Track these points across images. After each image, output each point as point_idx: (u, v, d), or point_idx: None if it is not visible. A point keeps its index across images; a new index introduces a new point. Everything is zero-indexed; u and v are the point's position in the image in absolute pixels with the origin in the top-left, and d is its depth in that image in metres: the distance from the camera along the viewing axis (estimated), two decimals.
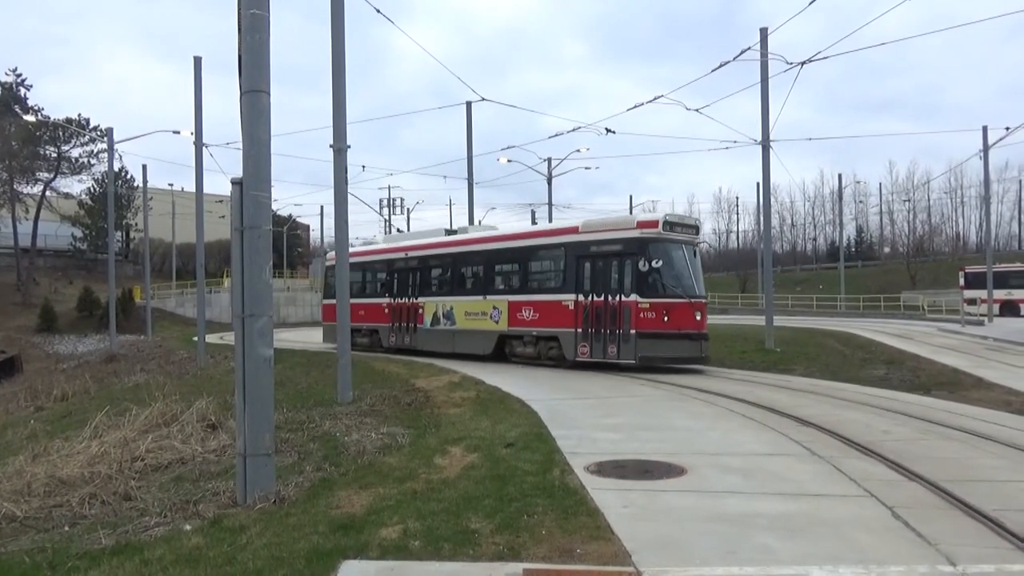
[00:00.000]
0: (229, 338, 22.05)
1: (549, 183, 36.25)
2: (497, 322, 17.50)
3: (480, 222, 26.82)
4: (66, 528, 5.90)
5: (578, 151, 35.24)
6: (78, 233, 55.92)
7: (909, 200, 69.14)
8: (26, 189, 50.48)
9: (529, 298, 16.84)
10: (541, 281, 17.05)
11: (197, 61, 22.46)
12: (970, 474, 6.37)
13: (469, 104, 26.70)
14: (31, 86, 51.70)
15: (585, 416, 9.58)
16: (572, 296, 15.73)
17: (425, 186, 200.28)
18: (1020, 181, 69.45)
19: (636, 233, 15.05)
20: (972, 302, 34.98)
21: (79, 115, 50.81)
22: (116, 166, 38.50)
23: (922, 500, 5.59)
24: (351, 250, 25.31)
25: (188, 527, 5.40)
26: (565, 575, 4.19)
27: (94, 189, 54.45)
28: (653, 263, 14.79)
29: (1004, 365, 16.03)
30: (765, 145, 20.31)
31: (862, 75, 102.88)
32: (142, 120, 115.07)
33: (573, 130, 25.80)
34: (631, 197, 58.33)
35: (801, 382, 13.93)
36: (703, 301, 15.71)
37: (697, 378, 13.75)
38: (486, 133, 75.49)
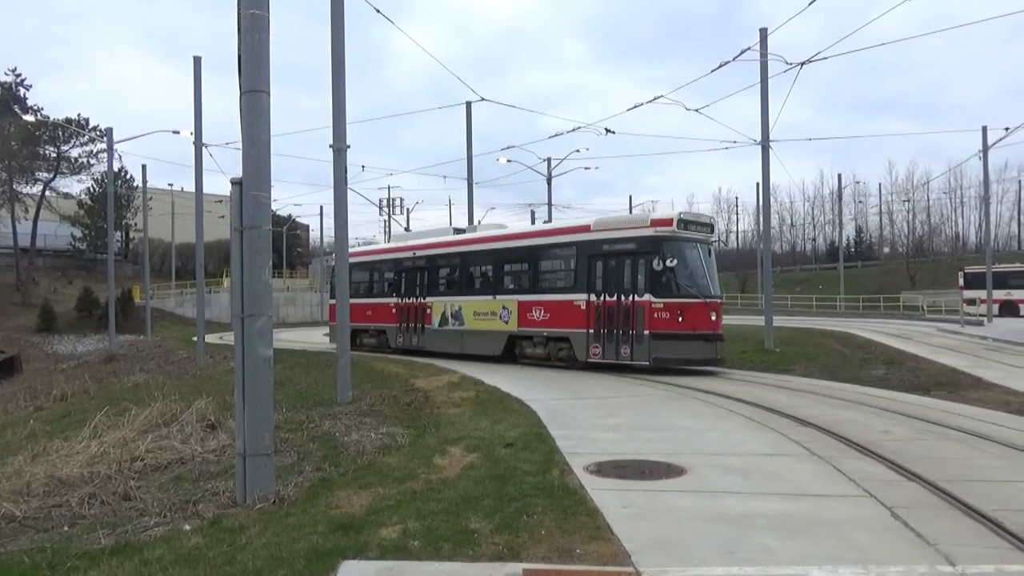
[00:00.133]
0: (229, 338, 22.09)
1: (549, 183, 36.27)
2: (507, 322, 17.25)
3: (480, 222, 26.80)
4: (65, 528, 5.90)
5: (578, 151, 35.27)
6: (77, 233, 55.90)
7: (909, 200, 69.24)
8: (26, 189, 50.50)
9: (540, 298, 16.58)
10: (552, 280, 16.78)
11: (197, 61, 22.47)
12: (969, 474, 6.37)
13: (469, 104, 26.71)
14: (31, 86, 51.81)
15: (585, 416, 9.59)
16: (584, 296, 15.47)
17: (425, 186, 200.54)
18: (1020, 181, 69.60)
19: (650, 231, 14.77)
20: (971, 302, 34.99)
21: (79, 115, 50.95)
22: (116, 166, 38.59)
23: (921, 500, 5.59)
24: (358, 250, 25.58)
25: (188, 527, 5.40)
26: (565, 575, 4.19)
27: (94, 189, 54.45)
28: (667, 262, 14.51)
29: (1003, 365, 16.04)
30: (765, 145, 20.32)
31: (862, 75, 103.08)
32: (142, 120, 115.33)
33: (573, 130, 25.82)
34: (631, 197, 58.35)
35: (800, 382, 13.93)
36: (718, 301, 15.43)
37: (697, 378, 13.75)
38: (486, 133, 75.84)
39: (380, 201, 55.06)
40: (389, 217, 57.94)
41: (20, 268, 50.77)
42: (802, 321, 32.52)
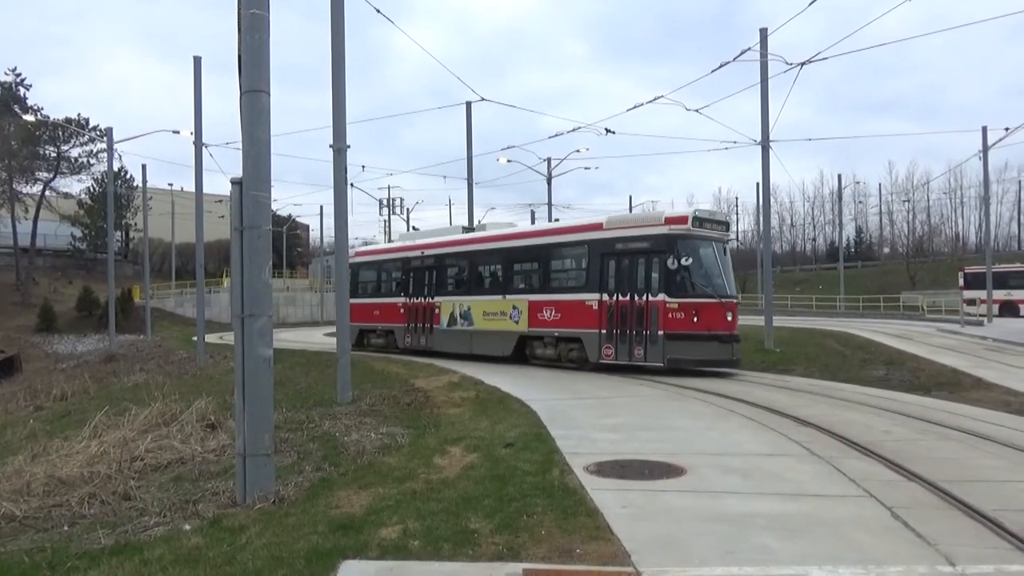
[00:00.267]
0: (229, 338, 22.09)
1: (549, 183, 36.29)
2: (517, 322, 16.97)
3: (480, 222, 26.76)
4: (65, 528, 5.90)
5: (578, 151, 35.28)
6: (77, 233, 55.90)
7: (909, 200, 69.21)
8: (25, 189, 50.48)
9: (551, 297, 16.29)
10: (563, 280, 16.52)
11: (197, 61, 22.47)
12: (969, 474, 6.37)
13: (469, 104, 26.71)
14: (31, 86, 51.80)
15: (585, 416, 9.59)
16: (596, 296, 15.18)
17: (425, 186, 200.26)
18: (1020, 182, 69.54)
19: (664, 230, 14.45)
20: (971, 302, 34.98)
21: (79, 115, 50.93)
22: (116, 166, 38.55)
23: (921, 500, 5.59)
24: (365, 249, 25.56)
25: (187, 527, 5.40)
26: (565, 575, 4.19)
27: (94, 189, 54.44)
28: (682, 261, 14.20)
29: (1003, 365, 16.03)
30: (765, 145, 20.31)
31: (862, 75, 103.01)
32: (142, 120, 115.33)
33: (573, 130, 25.81)
34: (631, 197, 58.34)
35: (800, 382, 13.93)
36: (734, 301, 15.04)
37: (696, 378, 13.74)
38: (486, 133, 75.72)
39: (380, 201, 55.14)
40: (389, 217, 58.01)
41: (20, 268, 50.77)
42: (802, 321, 32.52)
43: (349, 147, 12.53)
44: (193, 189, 24.22)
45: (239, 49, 6.25)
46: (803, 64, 18.53)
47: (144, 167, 41.31)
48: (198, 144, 22.52)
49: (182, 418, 9.89)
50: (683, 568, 4.20)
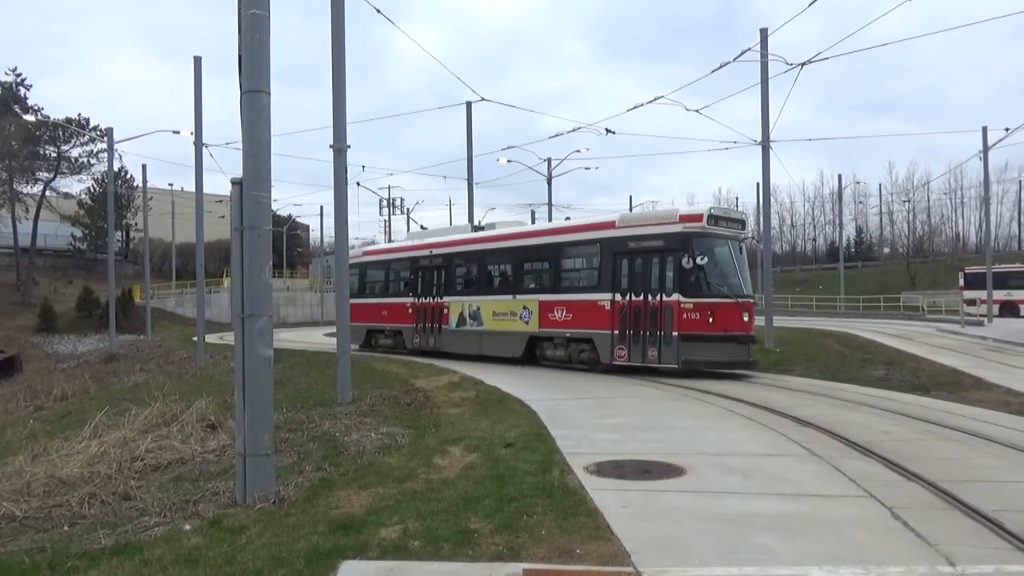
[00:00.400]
0: (229, 338, 22.07)
1: (549, 183, 36.29)
2: (527, 323, 16.66)
3: (480, 222, 26.76)
4: (65, 528, 5.90)
5: (578, 151, 35.27)
6: (78, 233, 55.92)
7: (909, 200, 69.24)
8: (26, 189, 50.50)
9: (562, 297, 15.96)
10: (575, 279, 16.20)
11: (197, 61, 22.47)
12: (969, 474, 6.37)
13: (469, 104, 26.72)
14: (31, 86, 51.79)
15: (584, 416, 9.59)
16: (608, 295, 14.85)
17: (425, 186, 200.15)
18: (1020, 182, 69.59)
19: (679, 228, 14.08)
20: (972, 303, 34.98)
21: (79, 115, 50.90)
22: (116, 166, 38.56)
23: (921, 500, 5.59)
24: (373, 248, 25.53)
25: (188, 527, 5.40)
26: (565, 575, 4.19)
27: (94, 189, 54.46)
28: (697, 260, 13.82)
29: (1003, 366, 16.02)
30: (765, 145, 20.32)
31: (862, 75, 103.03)
32: (142, 120, 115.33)
33: (573, 130, 25.83)
34: (631, 197, 58.32)
35: (800, 382, 13.92)
36: (751, 301, 14.62)
37: (696, 378, 13.74)
38: (486, 133, 75.68)
39: (381, 201, 55.14)
40: (389, 217, 58.02)
41: (20, 268, 50.78)
42: (802, 321, 32.52)
43: (349, 147, 12.53)
44: (193, 189, 24.25)
45: (239, 49, 6.25)
46: (803, 64, 18.56)
47: (144, 167, 41.39)
48: (198, 144, 22.53)
49: (182, 418, 9.89)
50: (683, 568, 4.21)
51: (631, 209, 52.77)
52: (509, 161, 32.50)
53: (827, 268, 66.09)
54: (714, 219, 14.29)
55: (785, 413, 9.62)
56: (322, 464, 7.16)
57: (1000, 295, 36.57)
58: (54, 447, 9.49)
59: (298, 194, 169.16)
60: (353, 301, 22.59)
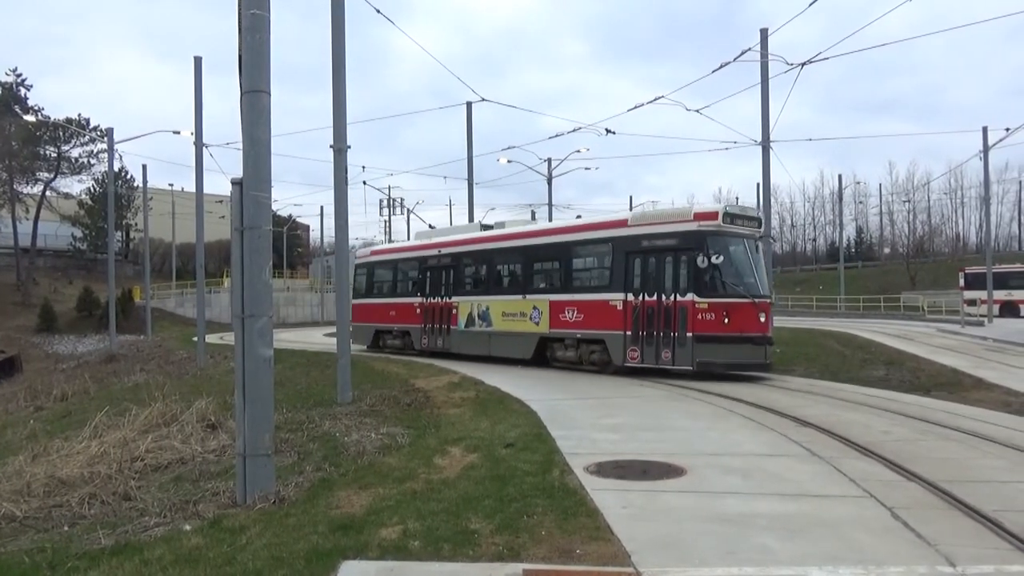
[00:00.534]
0: (229, 338, 22.07)
1: (549, 183, 36.27)
2: (537, 323, 16.38)
3: (480, 222, 26.76)
4: (66, 528, 5.90)
5: (578, 151, 35.26)
6: (78, 233, 55.92)
7: (909, 201, 69.20)
8: (26, 189, 50.53)
9: (573, 297, 15.66)
10: (586, 279, 15.87)
11: (197, 61, 22.47)
12: (969, 475, 6.37)
13: (469, 104, 26.72)
14: (31, 86, 51.73)
15: (584, 416, 9.59)
16: (620, 295, 14.55)
17: (425, 186, 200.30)
18: (1020, 182, 69.61)
19: (693, 226, 13.77)
20: (972, 303, 34.96)
21: (79, 115, 50.89)
22: (116, 166, 38.55)
23: (921, 500, 5.59)
24: (381, 247, 25.51)
25: (188, 527, 5.40)
26: (565, 575, 4.19)
27: (94, 189, 54.46)
28: (712, 259, 13.44)
29: (1004, 366, 16.02)
30: (765, 146, 20.30)
31: (863, 75, 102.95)
32: (142, 120, 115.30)
33: (573, 130, 25.82)
34: (631, 197, 58.18)
35: (800, 382, 13.92)
36: (768, 301, 14.29)
37: (696, 378, 13.74)
38: (486, 133, 75.51)
39: (381, 201, 55.17)
40: (390, 217, 58.05)
41: (20, 268, 50.80)
42: (802, 321, 32.49)
43: (349, 147, 12.52)
44: (193, 189, 24.26)
45: (239, 49, 6.25)
46: (803, 64, 18.53)
47: (144, 167, 41.35)
48: (198, 144, 22.53)
49: (182, 418, 9.90)
50: (683, 568, 4.21)
51: (631, 209, 52.74)
52: (509, 161, 32.52)
53: (827, 268, 66.08)
54: (730, 217, 13.99)
55: (785, 413, 9.62)
56: (322, 464, 7.15)
57: (1000, 295, 36.56)
58: (54, 447, 9.49)
59: (298, 194, 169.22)
60: (361, 301, 22.72)
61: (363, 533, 4.89)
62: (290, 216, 60.93)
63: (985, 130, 31.21)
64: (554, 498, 5.56)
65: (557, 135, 26.33)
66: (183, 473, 7.51)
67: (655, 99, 20.67)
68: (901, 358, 17.27)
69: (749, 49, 19.05)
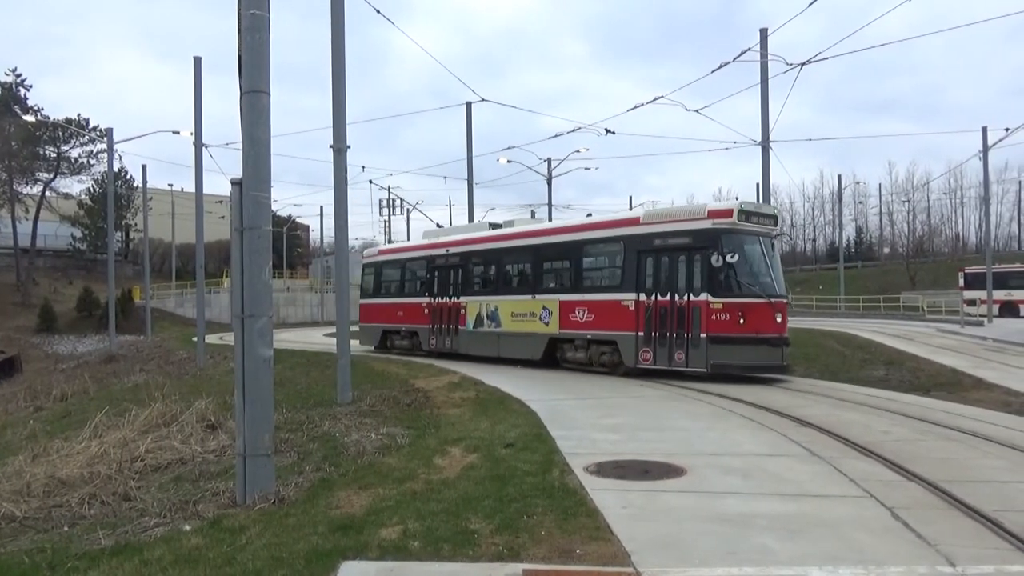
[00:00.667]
0: (229, 338, 22.08)
1: (549, 183, 36.29)
2: (547, 324, 16.08)
3: (488, 221, 26.73)
4: (65, 528, 5.90)
5: (578, 151, 35.28)
6: (78, 233, 55.92)
7: (909, 201, 69.27)
8: (26, 189, 50.53)
9: (583, 297, 15.34)
10: (597, 278, 15.54)
11: (197, 61, 22.48)
12: (969, 475, 6.37)
13: (469, 104, 26.71)
14: (31, 86, 51.75)
15: (584, 416, 9.58)
16: (632, 295, 14.21)
17: (425, 186, 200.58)
18: (1020, 182, 69.61)
19: (707, 224, 13.43)
20: (972, 303, 34.97)
21: (79, 115, 50.94)
22: (116, 166, 38.54)
23: (921, 501, 5.59)
24: (388, 247, 25.46)
25: (188, 527, 5.40)
26: (565, 575, 4.19)
27: (94, 189, 54.46)
28: (727, 258, 13.11)
29: (1003, 366, 16.03)
30: (765, 146, 20.30)
31: (862, 75, 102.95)
32: (142, 120, 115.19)
33: (573, 130, 25.81)
34: (631, 197, 58.09)
35: (800, 382, 13.91)
36: (784, 301, 13.91)
37: (697, 379, 13.73)
38: (486, 133, 75.36)
39: (380, 201, 55.18)
40: (389, 217, 58.06)
41: (20, 268, 50.78)
42: (802, 321, 32.49)
43: (349, 147, 12.52)
44: (193, 189, 24.24)
45: (239, 49, 6.25)
46: (803, 64, 18.53)
47: (144, 167, 41.34)
48: (198, 144, 22.53)
49: (182, 418, 9.90)
50: (683, 568, 4.20)
51: (631, 208, 52.72)
52: (509, 161, 32.54)
53: (827, 268, 66.11)
54: (744, 214, 13.61)
55: (785, 413, 9.62)
56: (322, 464, 7.15)
57: (1000, 295, 36.56)
58: (54, 447, 9.50)
59: (298, 194, 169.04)
60: (368, 301, 22.66)
61: (363, 533, 4.89)
62: (290, 216, 60.94)
63: (985, 130, 31.23)
64: (554, 498, 5.56)
65: (557, 135, 26.36)
66: (183, 473, 7.51)
67: (655, 99, 20.69)
68: (901, 358, 17.29)
69: (749, 49, 19.07)
